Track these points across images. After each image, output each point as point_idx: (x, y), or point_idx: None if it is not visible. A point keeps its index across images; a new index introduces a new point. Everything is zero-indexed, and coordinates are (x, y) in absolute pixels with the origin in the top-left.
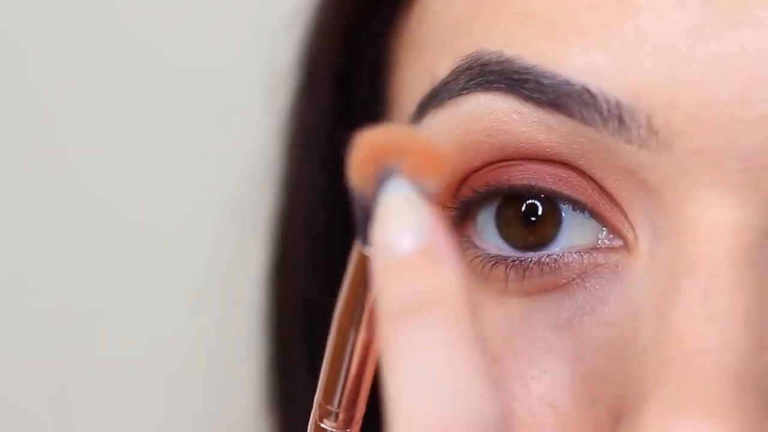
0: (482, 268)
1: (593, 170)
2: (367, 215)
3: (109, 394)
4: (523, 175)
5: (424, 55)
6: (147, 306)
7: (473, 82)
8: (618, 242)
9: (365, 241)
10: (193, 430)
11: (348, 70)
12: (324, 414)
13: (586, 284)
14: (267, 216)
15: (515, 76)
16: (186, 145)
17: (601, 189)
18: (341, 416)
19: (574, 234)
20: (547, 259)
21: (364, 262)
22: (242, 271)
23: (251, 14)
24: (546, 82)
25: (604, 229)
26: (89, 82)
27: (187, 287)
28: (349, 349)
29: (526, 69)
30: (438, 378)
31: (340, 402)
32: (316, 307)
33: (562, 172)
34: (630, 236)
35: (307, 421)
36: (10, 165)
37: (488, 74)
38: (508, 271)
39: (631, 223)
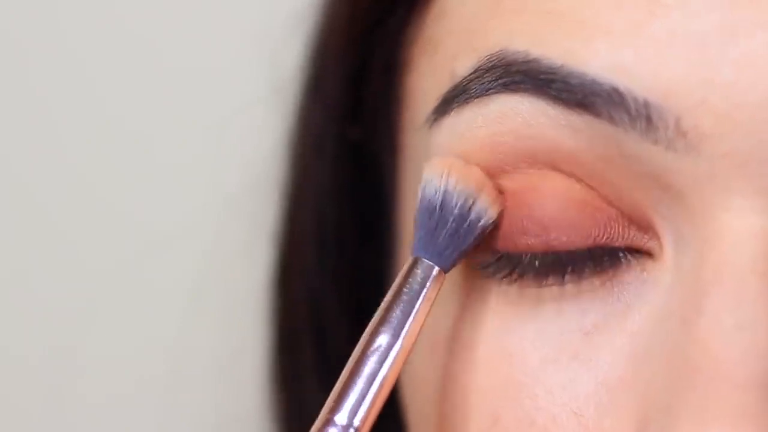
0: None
1: (619, 179)
2: (454, 231)
3: (109, 394)
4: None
5: (440, 52)
6: (148, 306)
7: (498, 82)
8: (644, 249)
9: (445, 261)
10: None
11: (359, 68)
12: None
13: (614, 291)
14: (271, 216)
15: (542, 77)
16: (190, 145)
17: (627, 199)
18: None
19: None
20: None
21: (426, 274)
22: (245, 272)
23: (256, 13)
24: (574, 81)
25: (630, 236)
26: (92, 81)
27: (189, 287)
28: (382, 357)
29: (553, 69)
30: None
31: (354, 414)
32: (325, 311)
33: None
34: (655, 243)
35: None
36: (10, 164)
37: (514, 74)
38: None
39: (656, 231)
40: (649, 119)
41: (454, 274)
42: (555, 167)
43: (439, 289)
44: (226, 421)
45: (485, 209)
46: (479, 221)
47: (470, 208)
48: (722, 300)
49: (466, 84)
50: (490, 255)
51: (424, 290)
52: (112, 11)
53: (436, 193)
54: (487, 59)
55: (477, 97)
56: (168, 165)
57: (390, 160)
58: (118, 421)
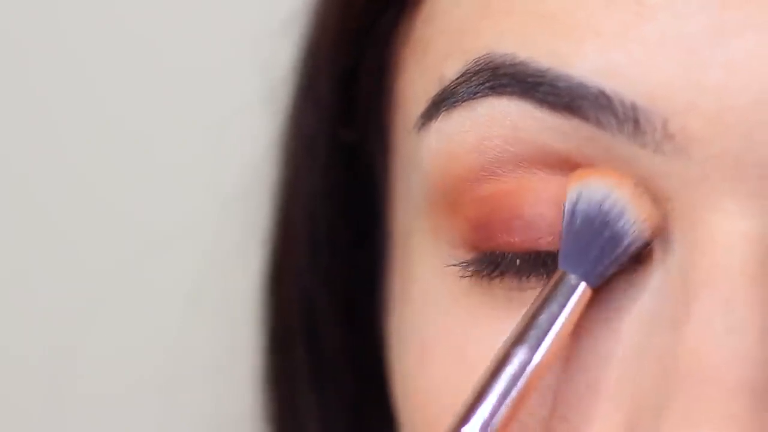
0: (492, 278)
1: None
2: (609, 248)
3: (106, 395)
4: (539, 193)
5: (430, 54)
6: (145, 306)
7: (486, 85)
8: None
9: (592, 275)
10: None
11: (351, 69)
12: None
13: (600, 294)
14: (266, 217)
15: (529, 80)
16: (184, 146)
17: None
18: None
19: None
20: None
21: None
22: (243, 272)
23: (249, 14)
24: (561, 84)
25: None
26: (89, 81)
27: (187, 287)
28: (519, 372)
29: (540, 72)
30: None
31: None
32: (317, 311)
33: None
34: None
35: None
36: (10, 164)
37: (501, 77)
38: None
39: None
40: (636, 122)
41: (437, 279)
42: (543, 167)
43: (584, 306)
44: (224, 421)
45: (639, 227)
46: (633, 239)
47: (624, 225)
48: (712, 303)
49: (454, 87)
50: (472, 254)
51: (568, 306)
52: (107, 13)
53: (588, 208)
54: (475, 62)
55: (465, 101)
56: (162, 166)
57: (382, 161)
58: (116, 420)
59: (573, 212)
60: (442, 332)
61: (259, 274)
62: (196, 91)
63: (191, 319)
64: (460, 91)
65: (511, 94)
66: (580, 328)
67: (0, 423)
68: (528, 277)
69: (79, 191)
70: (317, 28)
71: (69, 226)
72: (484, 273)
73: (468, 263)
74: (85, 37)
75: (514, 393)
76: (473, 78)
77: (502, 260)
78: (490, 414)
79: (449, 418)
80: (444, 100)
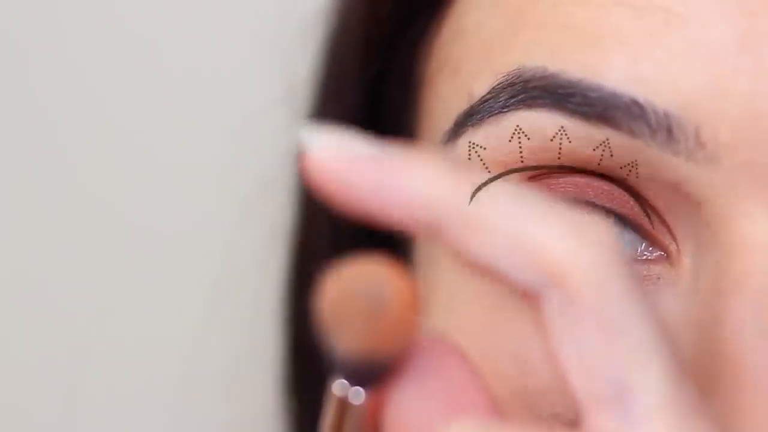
0: None
1: (637, 183)
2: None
3: (121, 399)
4: (565, 188)
5: (461, 70)
6: (162, 310)
7: (515, 99)
8: (659, 253)
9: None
10: None
11: (377, 79)
12: None
13: None
14: (286, 220)
15: (560, 91)
16: (205, 149)
17: (644, 202)
18: None
19: None
20: None
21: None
22: (259, 277)
23: (270, 16)
24: (593, 95)
25: (644, 242)
26: (107, 84)
27: (203, 292)
28: None
29: (572, 83)
30: None
31: None
32: None
33: (605, 185)
34: (672, 249)
35: None
36: (34, 163)
37: (531, 90)
38: None
39: (674, 236)
40: (669, 131)
41: (462, 284)
42: (570, 170)
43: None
44: (240, 427)
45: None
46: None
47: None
48: (743, 307)
49: (482, 104)
50: None
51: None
52: (125, 14)
53: None
54: (505, 77)
55: (492, 115)
56: (182, 167)
57: None
58: (132, 424)
59: None
60: (469, 334)
61: (278, 278)
62: (215, 93)
63: (209, 324)
64: (489, 106)
65: (542, 105)
66: None
67: (15, 423)
68: None
69: (97, 193)
70: (341, 29)
71: (87, 228)
72: None
73: None
74: (97, 41)
75: None
76: (502, 93)
77: None
78: None
79: None
80: (471, 116)
